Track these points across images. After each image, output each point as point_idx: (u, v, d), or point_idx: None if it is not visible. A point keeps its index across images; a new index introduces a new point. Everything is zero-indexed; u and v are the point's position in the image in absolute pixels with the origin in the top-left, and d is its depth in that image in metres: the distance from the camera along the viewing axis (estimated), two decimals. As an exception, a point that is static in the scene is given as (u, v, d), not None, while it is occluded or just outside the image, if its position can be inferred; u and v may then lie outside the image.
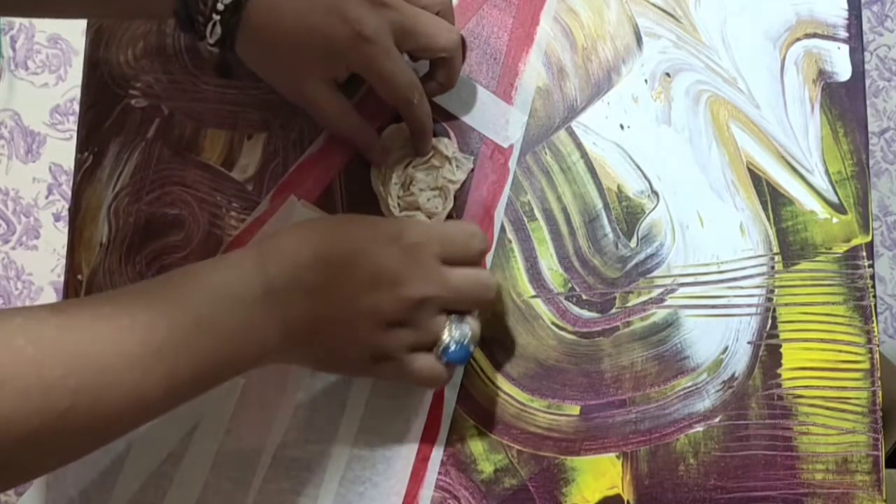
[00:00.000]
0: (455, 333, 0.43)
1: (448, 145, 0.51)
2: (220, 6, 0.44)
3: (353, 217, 0.44)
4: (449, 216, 0.51)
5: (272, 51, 0.46)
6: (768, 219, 0.52)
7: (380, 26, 0.45)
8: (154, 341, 0.36)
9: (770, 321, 0.51)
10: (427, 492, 0.49)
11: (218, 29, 0.44)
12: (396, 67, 0.46)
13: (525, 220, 0.52)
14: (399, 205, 0.51)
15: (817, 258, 0.52)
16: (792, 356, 0.51)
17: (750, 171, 0.52)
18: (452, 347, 0.43)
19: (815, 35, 0.54)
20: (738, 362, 0.51)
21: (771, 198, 0.52)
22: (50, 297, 1.33)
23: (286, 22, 0.44)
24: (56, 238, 1.35)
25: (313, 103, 0.48)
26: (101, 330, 0.36)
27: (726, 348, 0.51)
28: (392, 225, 0.43)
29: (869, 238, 0.52)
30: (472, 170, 0.52)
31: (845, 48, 0.54)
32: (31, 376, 0.33)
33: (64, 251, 0.56)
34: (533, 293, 0.51)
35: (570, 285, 0.51)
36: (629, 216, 0.52)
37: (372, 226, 0.43)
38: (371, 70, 0.46)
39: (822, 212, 0.52)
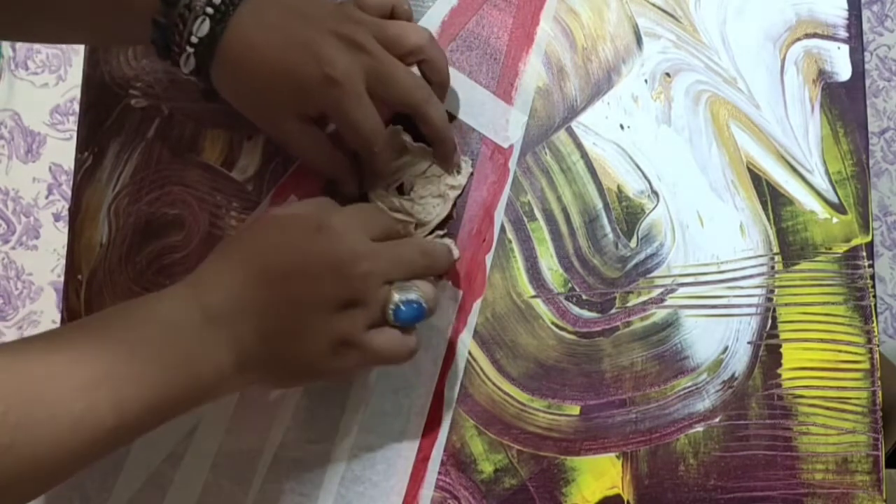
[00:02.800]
0: (402, 295, 0.43)
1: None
2: (193, 39, 0.44)
3: (266, 225, 0.43)
4: (445, 220, 0.51)
5: (245, 84, 0.45)
6: (768, 219, 0.52)
7: (351, 70, 0.44)
8: (95, 373, 0.36)
9: (770, 321, 0.51)
10: (427, 492, 0.49)
11: (192, 61, 0.44)
12: (362, 114, 0.45)
13: (525, 220, 0.52)
14: (394, 210, 0.50)
15: (817, 258, 0.52)
16: (792, 356, 0.51)
17: (750, 171, 0.52)
18: (402, 307, 0.43)
19: (815, 35, 0.54)
20: (738, 362, 0.51)
21: (771, 198, 0.52)
22: (50, 297, 1.33)
23: (260, 57, 0.44)
24: (56, 238, 1.35)
25: (286, 138, 0.47)
26: (39, 365, 0.35)
27: (726, 348, 0.51)
28: (311, 219, 0.43)
29: (869, 238, 0.52)
30: (472, 172, 0.52)
31: (845, 48, 0.54)
32: None
33: (64, 251, 0.56)
34: (533, 293, 0.51)
35: (570, 285, 0.51)
36: (629, 216, 0.52)
37: (292, 226, 0.43)
38: (337, 113, 0.45)
39: (822, 212, 0.52)
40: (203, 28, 0.43)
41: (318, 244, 0.42)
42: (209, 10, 0.43)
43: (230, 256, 0.42)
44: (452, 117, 0.53)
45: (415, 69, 0.49)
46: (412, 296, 0.43)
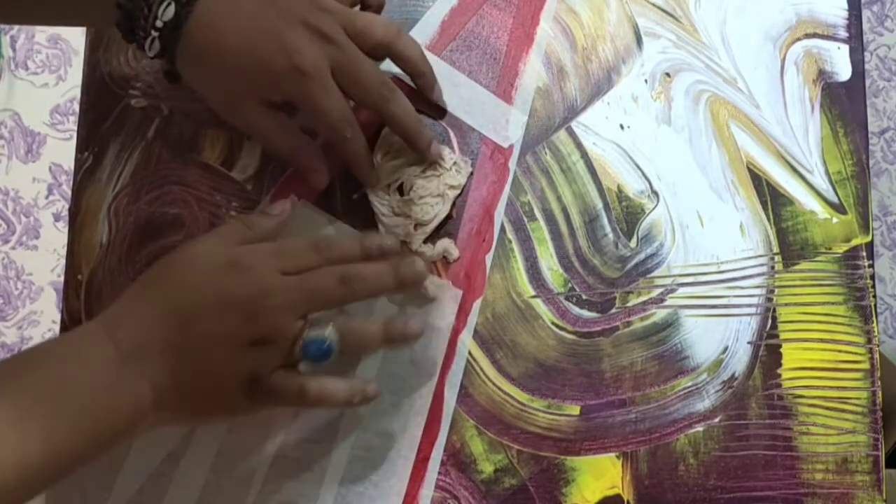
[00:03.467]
0: (311, 333, 0.42)
1: (448, 154, 0.51)
2: (158, 23, 0.43)
3: (179, 260, 0.43)
4: (445, 220, 0.51)
5: (210, 71, 0.45)
6: (768, 219, 0.52)
7: (318, 60, 0.44)
8: (24, 407, 0.37)
9: (770, 321, 0.51)
10: (427, 492, 0.49)
11: (157, 44, 0.44)
12: (331, 102, 0.45)
13: (525, 220, 0.52)
14: (393, 211, 0.50)
15: (817, 258, 0.52)
16: (792, 356, 0.51)
17: (750, 171, 0.52)
18: (309, 346, 0.42)
19: (815, 35, 0.54)
20: (738, 362, 0.51)
21: (771, 198, 0.52)
22: (50, 297, 1.33)
23: (225, 44, 0.44)
24: (56, 238, 1.35)
25: (249, 125, 0.47)
26: None
27: (726, 348, 0.51)
28: (222, 254, 0.43)
29: (869, 238, 0.52)
30: (472, 172, 0.52)
31: (845, 48, 0.54)
32: None
33: (64, 251, 0.56)
34: (533, 293, 0.51)
35: (570, 285, 0.51)
36: (629, 216, 0.52)
37: (203, 262, 0.43)
38: (305, 103, 0.45)
39: (822, 212, 0.52)
40: (168, 12, 0.43)
41: (228, 281, 0.42)
42: None
43: (142, 295, 0.42)
44: (443, 111, 0.53)
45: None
46: (320, 332, 0.42)
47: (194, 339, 0.41)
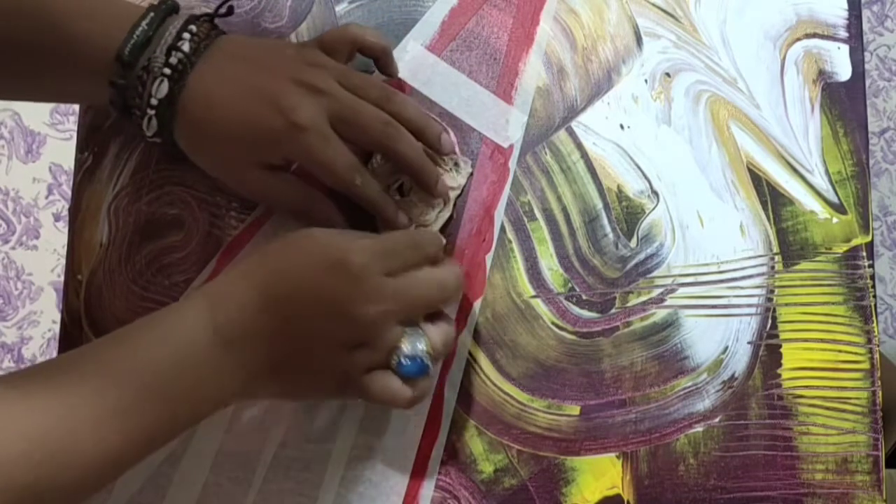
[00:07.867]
0: (407, 348, 0.42)
1: (449, 156, 0.51)
2: (153, 101, 0.43)
3: (292, 247, 0.43)
4: (448, 221, 0.51)
5: (209, 142, 0.45)
6: (768, 219, 0.52)
7: (315, 114, 0.44)
8: (110, 403, 0.37)
9: (770, 321, 0.51)
10: (427, 492, 0.49)
11: (154, 122, 0.44)
12: (334, 153, 0.45)
13: (525, 220, 0.52)
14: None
15: (817, 258, 0.52)
16: (792, 356, 0.51)
17: (750, 171, 0.52)
18: (404, 362, 0.42)
19: (815, 35, 0.54)
20: (738, 362, 0.51)
21: (771, 198, 0.52)
22: (50, 297, 1.33)
23: (220, 113, 0.44)
24: (56, 238, 1.35)
25: (255, 191, 0.47)
26: (57, 399, 0.36)
27: (726, 348, 0.51)
28: (333, 251, 0.42)
29: (869, 238, 0.52)
30: (472, 172, 0.52)
31: (845, 48, 0.54)
32: None
33: (64, 251, 0.57)
34: (533, 293, 0.51)
35: (570, 285, 0.51)
36: (629, 216, 0.52)
37: (313, 256, 0.42)
38: (308, 158, 0.45)
39: (822, 212, 0.52)
40: (162, 89, 0.43)
41: (334, 281, 0.41)
42: (167, 70, 0.43)
43: (250, 275, 0.42)
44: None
45: None
46: (417, 350, 0.42)
47: (293, 334, 0.41)
